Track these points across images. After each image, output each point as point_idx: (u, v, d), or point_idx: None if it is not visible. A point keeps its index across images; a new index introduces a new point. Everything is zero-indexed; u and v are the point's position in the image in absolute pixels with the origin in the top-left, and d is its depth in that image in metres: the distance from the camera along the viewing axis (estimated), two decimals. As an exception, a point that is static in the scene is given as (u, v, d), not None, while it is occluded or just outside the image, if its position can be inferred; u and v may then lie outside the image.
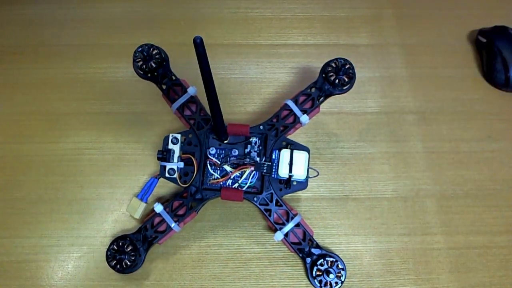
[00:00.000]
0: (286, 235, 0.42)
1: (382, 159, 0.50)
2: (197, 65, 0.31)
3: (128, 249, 0.41)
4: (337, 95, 0.45)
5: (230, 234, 0.47)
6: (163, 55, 0.45)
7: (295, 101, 0.45)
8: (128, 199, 0.48)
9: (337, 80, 0.44)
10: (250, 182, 0.44)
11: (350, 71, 0.44)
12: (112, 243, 0.42)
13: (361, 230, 0.47)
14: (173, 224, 0.42)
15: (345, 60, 0.45)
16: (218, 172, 0.44)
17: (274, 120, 0.44)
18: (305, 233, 0.43)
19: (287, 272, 0.46)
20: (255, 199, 0.43)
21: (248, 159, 0.44)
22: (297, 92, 0.45)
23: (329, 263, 0.42)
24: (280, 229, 0.42)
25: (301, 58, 0.55)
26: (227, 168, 0.44)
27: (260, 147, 0.44)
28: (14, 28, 0.57)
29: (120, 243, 0.42)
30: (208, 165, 0.44)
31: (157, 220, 0.43)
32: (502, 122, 0.52)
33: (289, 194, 0.45)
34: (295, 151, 0.43)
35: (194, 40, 0.29)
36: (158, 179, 0.45)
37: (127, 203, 0.48)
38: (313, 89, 0.45)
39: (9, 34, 0.56)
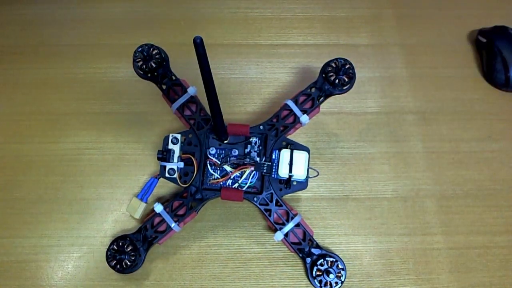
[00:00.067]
0: (286, 235, 0.42)
1: (382, 159, 0.50)
2: (197, 65, 0.31)
3: (128, 249, 0.41)
4: (337, 95, 0.45)
5: (230, 234, 0.47)
6: (163, 55, 0.45)
7: (295, 101, 0.45)
8: (128, 199, 0.48)
9: (337, 80, 0.44)
10: (250, 182, 0.44)
11: (350, 71, 0.44)
12: (112, 243, 0.42)
13: (361, 230, 0.47)
14: (173, 224, 0.42)
15: (345, 60, 0.45)
16: (218, 172, 0.44)
17: (274, 120, 0.44)
18: (305, 233, 0.43)
19: (287, 272, 0.46)
20: (255, 199, 0.43)
21: (248, 159, 0.44)
22: (297, 92, 0.45)
23: (329, 263, 0.42)
24: (280, 229, 0.42)
25: (301, 58, 0.55)
26: (227, 168, 0.44)
27: (260, 147, 0.44)
28: (14, 28, 0.57)
29: (120, 243, 0.42)
30: (208, 165, 0.44)
31: (157, 220, 0.43)
32: (502, 122, 0.52)
33: (289, 194, 0.45)
34: (295, 151, 0.43)
35: (194, 40, 0.29)
36: (158, 179, 0.45)
37: (127, 203, 0.48)
38: (313, 89, 0.45)
39: (9, 34, 0.56)
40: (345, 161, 0.50)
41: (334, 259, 0.42)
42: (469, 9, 0.59)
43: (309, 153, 0.43)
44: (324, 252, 0.43)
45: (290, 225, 0.42)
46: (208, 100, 0.36)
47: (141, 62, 0.45)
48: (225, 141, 0.44)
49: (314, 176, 0.46)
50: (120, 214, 0.48)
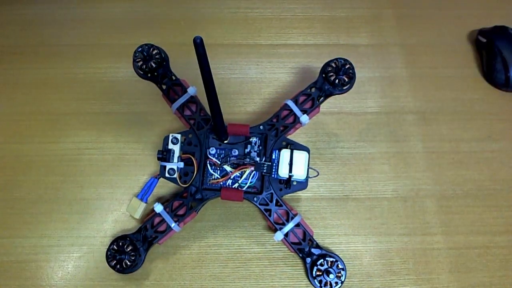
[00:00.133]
0: (286, 235, 0.42)
1: (382, 159, 0.50)
2: (197, 65, 0.31)
3: (128, 249, 0.41)
4: (337, 95, 0.45)
5: (230, 234, 0.47)
6: (163, 55, 0.45)
7: (295, 101, 0.45)
8: (128, 199, 0.48)
9: (337, 80, 0.44)
10: (250, 182, 0.44)
11: (350, 71, 0.44)
12: (112, 243, 0.42)
13: (361, 230, 0.47)
14: (173, 224, 0.42)
15: (345, 60, 0.45)
16: (218, 172, 0.44)
17: (274, 120, 0.44)
18: (305, 233, 0.43)
19: (287, 272, 0.46)
20: (255, 199, 0.43)
21: (248, 159, 0.44)
22: (297, 92, 0.45)
23: (329, 263, 0.42)
24: (280, 229, 0.42)
25: (301, 58, 0.55)
26: (227, 168, 0.44)
27: (260, 147, 0.44)
28: (14, 28, 0.57)
29: (120, 243, 0.42)
30: (208, 165, 0.44)
31: (157, 220, 0.43)
32: (502, 122, 0.52)
33: (289, 194, 0.45)
34: (295, 151, 0.43)
35: (194, 40, 0.29)
36: (158, 179, 0.45)
37: (127, 203, 0.48)
38: (313, 89, 0.45)
39: (9, 34, 0.56)
40: (345, 161, 0.50)
41: (334, 259, 0.42)
42: (469, 9, 0.59)
43: (309, 153, 0.43)
44: (324, 252, 0.43)
45: (290, 225, 0.42)
46: (208, 100, 0.36)
47: (141, 62, 0.45)
48: (225, 141, 0.44)
49: (314, 176, 0.46)
50: (120, 214, 0.48)
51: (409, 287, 0.45)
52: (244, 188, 0.43)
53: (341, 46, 0.56)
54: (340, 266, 0.42)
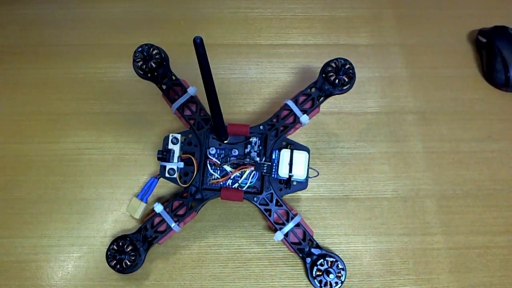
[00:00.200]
0: (286, 235, 0.42)
1: (382, 159, 0.50)
2: (197, 65, 0.31)
3: (128, 249, 0.41)
4: (337, 95, 0.45)
5: (230, 234, 0.47)
6: (163, 55, 0.45)
7: (295, 101, 0.45)
8: (128, 199, 0.48)
9: (337, 80, 0.44)
10: (250, 182, 0.44)
11: (350, 71, 0.44)
12: (112, 243, 0.42)
13: (361, 230, 0.47)
14: (173, 224, 0.42)
15: (345, 60, 0.45)
16: (218, 172, 0.44)
17: (274, 120, 0.44)
18: (305, 233, 0.43)
19: (287, 272, 0.46)
20: (255, 199, 0.43)
21: (248, 159, 0.44)
22: (297, 92, 0.45)
23: (329, 263, 0.42)
24: (280, 229, 0.42)
25: (301, 58, 0.55)
26: (227, 168, 0.44)
27: (260, 147, 0.44)
28: (14, 28, 0.57)
29: (120, 243, 0.42)
30: (208, 165, 0.44)
31: (157, 220, 0.43)
32: (502, 122, 0.52)
33: (289, 194, 0.45)
34: (295, 151, 0.43)
35: (194, 40, 0.29)
36: (158, 179, 0.45)
37: (127, 203, 0.48)
38: (313, 89, 0.45)
39: (9, 34, 0.56)
40: (345, 161, 0.50)
41: (334, 259, 0.42)
42: (469, 9, 0.59)
43: (309, 153, 0.43)
44: (324, 252, 0.43)
45: (290, 225, 0.42)
46: (208, 100, 0.36)
47: (141, 62, 0.45)
48: (225, 141, 0.44)
49: (314, 176, 0.46)
50: (120, 214, 0.48)
51: (409, 287, 0.45)
52: (244, 188, 0.43)
53: (341, 46, 0.56)
54: (340, 266, 0.42)
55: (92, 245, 0.47)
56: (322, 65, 0.45)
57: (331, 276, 0.41)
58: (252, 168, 0.43)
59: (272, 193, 0.43)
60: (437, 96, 0.53)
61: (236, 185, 0.44)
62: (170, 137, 0.42)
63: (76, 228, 0.47)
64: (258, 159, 0.44)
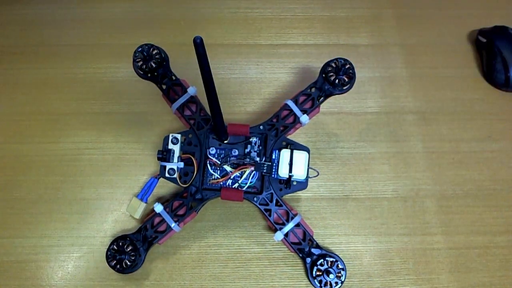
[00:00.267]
0: (286, 235, 0.42)
1: (382, 159, 0.50)
2: (197, 65, 0.31)
3: (128, 249, 0.41)
4: (337, 95, 0.45)
5: (230, 234, 0.47)
6: (163, 55, 0.45)
7: (295, 101, 0.45)
8: (128, 199, 0.48)
9: (337, 80, 0.44)
10: (250, 182, 0.44)
11: (350, 71, 0.44)
12: (112, 243, 0.42)
13: (361, 230, 0.47)
14: (173, 224, 0.42)
15: (345, 60, 0.45)
16: (218, 172, 0.44)
17: (274, 120, 0.44)
18: (305, 233, 0.43)
19: (287, 272, 0.46)
20: (255, 199, 0.43)
21: (248, 159, 0.44)
22: (297, 92, 0.45)
23: (329, 263, 0.42)
24: (280, 229, 0.42)
25: (301, 58, 0.55)
26: (227, 168, 0.44)
27: (260, 147, 0.44)
28: (14, 28, 0.57)
29: (120, 243, 0.42)
30: (208, 165, 0.44)
31: (157, 220, 0.43)
32: (502, 122, 0.52)
33: (289, 194, 0.45)
34: (295, 151, 0.43)
35: (194, 40, 0.29)
36: (158, 179, 0.45)
37: (127, 203, 0.48)
38: (313, 89, 0.45)
39: (9, 34, 0.56)
40: (345, 161, 0.50)
41: (334, 259, 0.42)
42: (469, 9, 0.59)
43: (309, 153, 0.43)
44: (324, 252, 0.43)
45: (290, 225, 0.42)
46: (208, 100, 0.36)
47: (141, 62, 0.45)
48: (225, 141, 0.44)
49: (314, 176, 0.46)
50: (120, 214, 0.48)
51: (409, 287, 0.45)
52: (244, 188, 0.43)
53: (341, 46, 0.56)
54: (340, 266, 0.42)
55: (92, 245, 0.47)
56: (322, 65, 0.45)
57: (331, 276, 0.41)
58: (252, 168, 0.43)
59: (272, 193, 0.43)
60: (437, 96, 0.53)
61: (236, 185, 0.44)
62: (170, 137, 0.42)
63: (76, 228, 0.47)
64: (258, 159, 0.44)
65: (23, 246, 0.47)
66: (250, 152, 0.44)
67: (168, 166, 0.42)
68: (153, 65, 0.44)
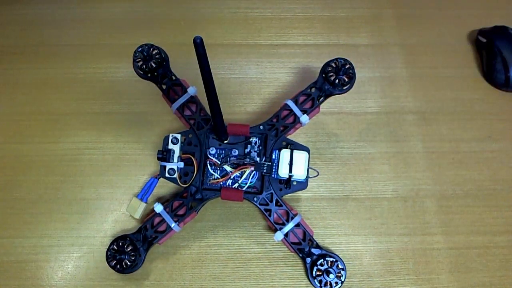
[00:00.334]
0: (286, 235, 0.42)
1: (382, 159, 0.50)
2: (197, 65, 0.31)
3: (128, 249, 0.41)
4: (337, 95, 0.45)
5: (230, 234, 0.47)
6: (163, 55, 0.45)
7: (295, 101, 0.45)
8: (128, 199, 0.48)
9: (337, 80, 0.44)
10: (250, 182, 0.44)
11: (350, 71, 0.44)
12: (112, 243, 0.42)
13: (361, 230, 0.47)
14: (173, 224, 0.42)
15: (345, 60, 0.45)
16: (218, 172, 0.44)
17: (274, 120, 0.44)
18: (305, 233, 0.43)
19: (287, 272, 0.46)
20: (255, 199, 0.43)
21: (248, 159, 0.44)
22: (297, 92, 0.45)
23: (329, 263, 0.42)
24: (280, 229, 0.42)
25: (301, 58, 0.55)
26: (227, 168, 0.44)
27: (260, 147, 0.44)
28: (14, 28, 0.57)
29: (120, 243, 0.42)
30: (208, 165, 0.44)
31: (157, 220, 0.43)
32: (502, 122, 0.52)
33: (289, 194, 0.45)
34: (295, 151, 0.43)
35: (194, 40, 0.29)
36: (158, 179, 0.45)
37: (127, 203, 0.48)
38: (313, 89, 0.45)
39: (9, 34, 0.56)
40: (345, 161, 0.50)
41: (334, 259, 0.42)
42: (469, 9, 0.59)
43: (309, 153, 0.43)
44: (324, 252, 0.43)
45: (290, 225, 0.42)
46: (208, 100, 0.36)
47: (141, 62, 0.45)
48: (225, 141, 0.44)
49: (314, 176, 0.46)
50: (120, 214, 0.48)
51: (409, 287, 0.45)
52: (244, 188, 0.43)
53: (341, 46, 0.56)
54: (340, 266, 0.42)
55: (92, 245, 0.47)
56: (322, 65, 0.45)
57: (331, 276, 0.41)
58: (252, 168, 0.43)
59: (272, 193, 0.43)
60: (437, 96, 0.53)
61: (236, 185, 0.44)
62: (170, 137, 0.42)
63: (76, 228, 0.47)
64: (258, 159, 0.44)
65: (23, 246, 0.47)
66: (250, 152, 0.44)
67: (168, 166, 0.42)
68: (153, 65, 0.44)
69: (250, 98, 0.53)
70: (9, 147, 0.51)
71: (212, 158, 0.44)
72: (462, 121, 0.52)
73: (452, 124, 0.52)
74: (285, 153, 0.43)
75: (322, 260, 0.42)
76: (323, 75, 0.45)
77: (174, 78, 0.45)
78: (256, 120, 0.51)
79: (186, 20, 0.57)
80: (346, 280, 0.42)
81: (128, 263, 0.41)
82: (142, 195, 0.46)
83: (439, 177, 0.50)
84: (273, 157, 0.43)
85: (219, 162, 0.44)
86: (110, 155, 0.50)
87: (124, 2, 0.58)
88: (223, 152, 0.44)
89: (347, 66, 0.44)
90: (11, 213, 0.48)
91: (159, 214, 0.43)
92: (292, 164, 0.42)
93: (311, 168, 0.43)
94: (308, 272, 0.42)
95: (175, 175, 0.42)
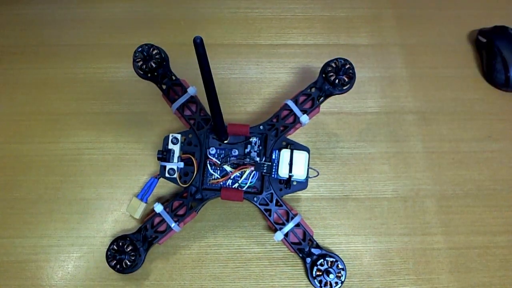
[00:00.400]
0: (286, 235, 0.42)
1: (382, 159, 0.50)
2: (197, 65, 0.31)
3: (128, 249, 0.41)
4: (337, 95, 0.45)
5: (230, 234, 0.47)
6: (163, 55, 0.45)
7: (295, 101, 0.45)
8: (128, 199, 0.48)
9: (337, 80, 0.44)
10: (250, 182, 0.44)
11: (350, 71, 0.44)
12: (112, 243, 0.42)
13: (361, 230, 0.47)
14: (173, 224, 0.42)
15: (345, 60, 0.45)
16: (218, 172, 0.44)
17: (274, 120, 0.44)
18: (305, 233, 0.43)
19: (287, 272, 0.46)
20: (255, 199, 0.43)
21: (248, 159, 0.44)
22: (297, 92, 0.45)
23: (329, 263, 0.42)
24: (280, 229, 0.42)
25: (301, 58, 0.55)
26: (227, 168, 0.44)
27: (260, 147, 0.44)
28: (14, 28, 0.57)
29: (120, 243, 0.42)
30: (208, 165, 0.44)
31: (157, 220, 0.43)
32: (502, 122, 0.52)
33: (289, 194, 0.45)
34: (295, 151, 0.43)
35: (194, 40, 0.29)
36: (158, 179, 0.45)
37: (127, 203, 0.48)
38: (313, 89, 0.45)
39: (9, 34, 0.56)
40: (345, 161, 0.50)
41: (334, 259, 0.42)
42: (469, 9, 0.59)
43: (309, 153, 0.43)
44: (324, 252, 0.43)
45: (290, 225, 0.42)
46: (208, 100, 0.36)
47: (141, 62, 0.45)
48: (225, 141, 0.44)
49: (314, 176, 0.46)
50: (120, 214, 0.48)
51: (409, 287, 0.45)
52: (244, 188, 0.43)
53: (341, 46, 0.56)
54: (340, 266, 0.42)
55: (92, 245, 0.47)
56: (322, 65, 0.45)
57: (331, 276, 0.41)
58: (252, 168, 0.43)
59: (272, 193, 0.43)
60: (437, 96, 0.53)
61: (236, 185, 0.44)
62: (170, 137, 0.42)
63: (76, 228, 0.47)
64: (258, 159, 0.44)
65: (23, 246, 0.47)
66: (250, 152, 0.44)
67: (168, 166, 0.42)
68: (153, 65, 0.44)
69: (250, 98, 0.53)
70: (9, 147, 0.51)
71: (212, 158, 0.44)
72: (462, 121, 0.52)
73: (452, 124, 0.52)
74: (285, 153, 0.43)
75: (322, 260, 0.42)
76: (323, 75, 0.45)
77: (174, 78, 0.45)
78: (256, 120, 0.51)
79: (186, 20, 0.57)
80: (346, 280, 0.42)
81: (128, 263, 0.41)
82: (142, 195, 0.46)
83: (439, 177, 0.50)
84: (273, 157, 0.43)
85: (219, 162, 0.44)
86: (110, 155, 0.50)
87: (124, 2, 0.58)
88: (223, 152, 0.44)
89: (347, 66, 0.44)
90: (11, 213, 0.48)
91: (159, 214, 0.43)
92: (292, 164, 0.42)
93: (311, 168, 0.43)
94: (308, 272, 0.42)
95: (175, 175, 0.42)
